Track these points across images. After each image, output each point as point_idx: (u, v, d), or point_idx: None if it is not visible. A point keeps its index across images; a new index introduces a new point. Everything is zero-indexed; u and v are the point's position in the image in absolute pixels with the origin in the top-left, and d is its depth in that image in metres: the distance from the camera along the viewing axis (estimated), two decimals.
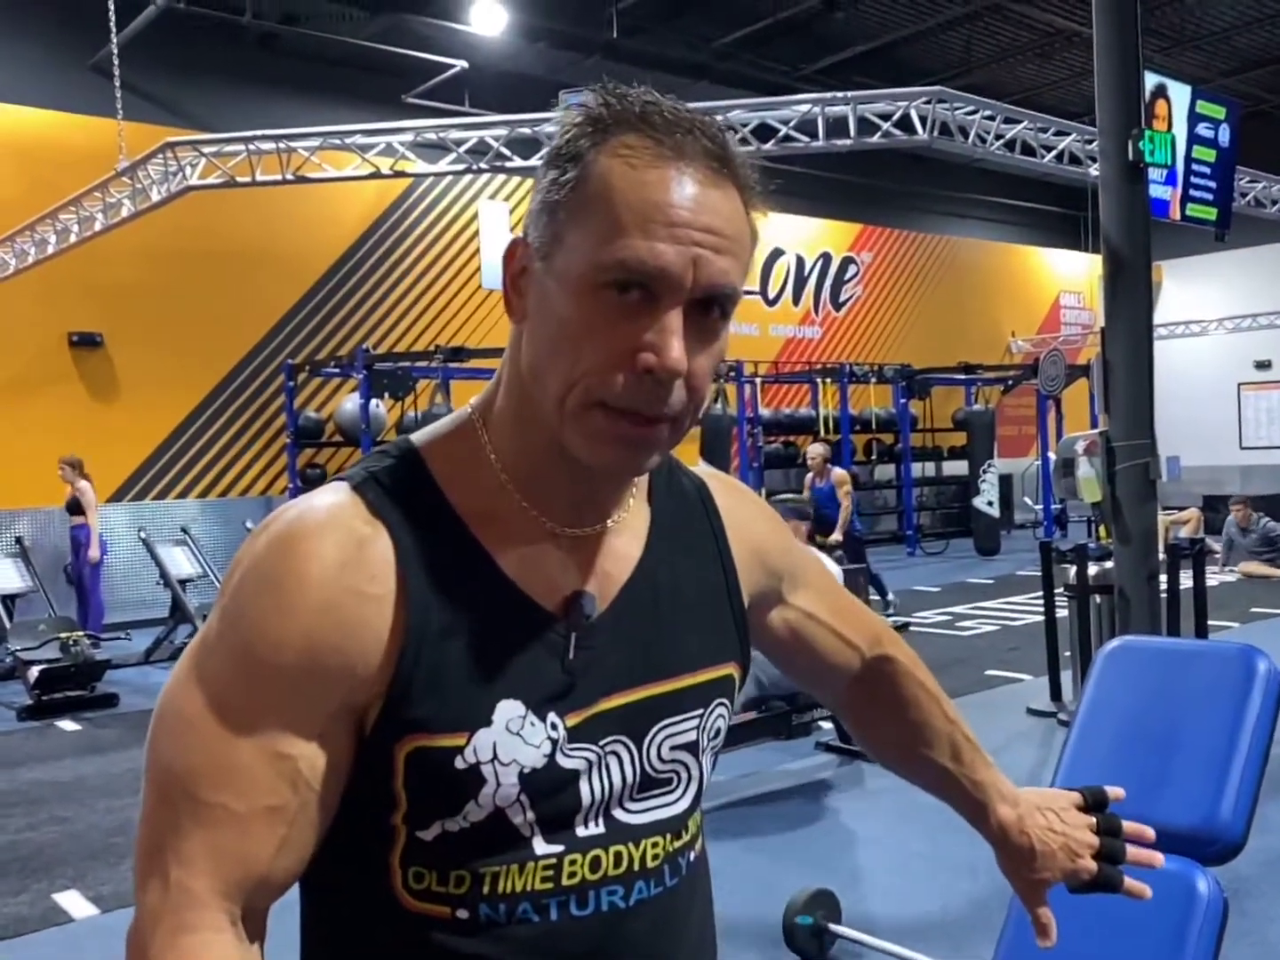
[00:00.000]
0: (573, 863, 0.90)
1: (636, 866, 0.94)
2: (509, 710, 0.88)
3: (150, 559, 9.60)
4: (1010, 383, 16.77)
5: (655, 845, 0.95)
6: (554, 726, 0.89)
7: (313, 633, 0.85)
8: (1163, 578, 6.12)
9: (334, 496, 0.92)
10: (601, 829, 0.92)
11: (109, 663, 7.95)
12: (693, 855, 1.00)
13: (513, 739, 0.88)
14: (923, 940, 3.44)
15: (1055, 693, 6.42)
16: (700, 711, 0.98)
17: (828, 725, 5.66)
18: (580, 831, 0.91)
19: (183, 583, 9.29)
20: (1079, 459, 6.16)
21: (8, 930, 3.92)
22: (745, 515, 1.10)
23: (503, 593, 0.90)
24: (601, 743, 0.92)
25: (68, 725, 7.16)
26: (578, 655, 0.91)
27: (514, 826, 0.89)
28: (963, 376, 16.47)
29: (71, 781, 5.81)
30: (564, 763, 0.90)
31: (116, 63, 7.31)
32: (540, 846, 0.90)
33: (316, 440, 12.81)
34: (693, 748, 0.97)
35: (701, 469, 1.12)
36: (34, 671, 7.48)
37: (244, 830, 0.85)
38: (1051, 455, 15.04)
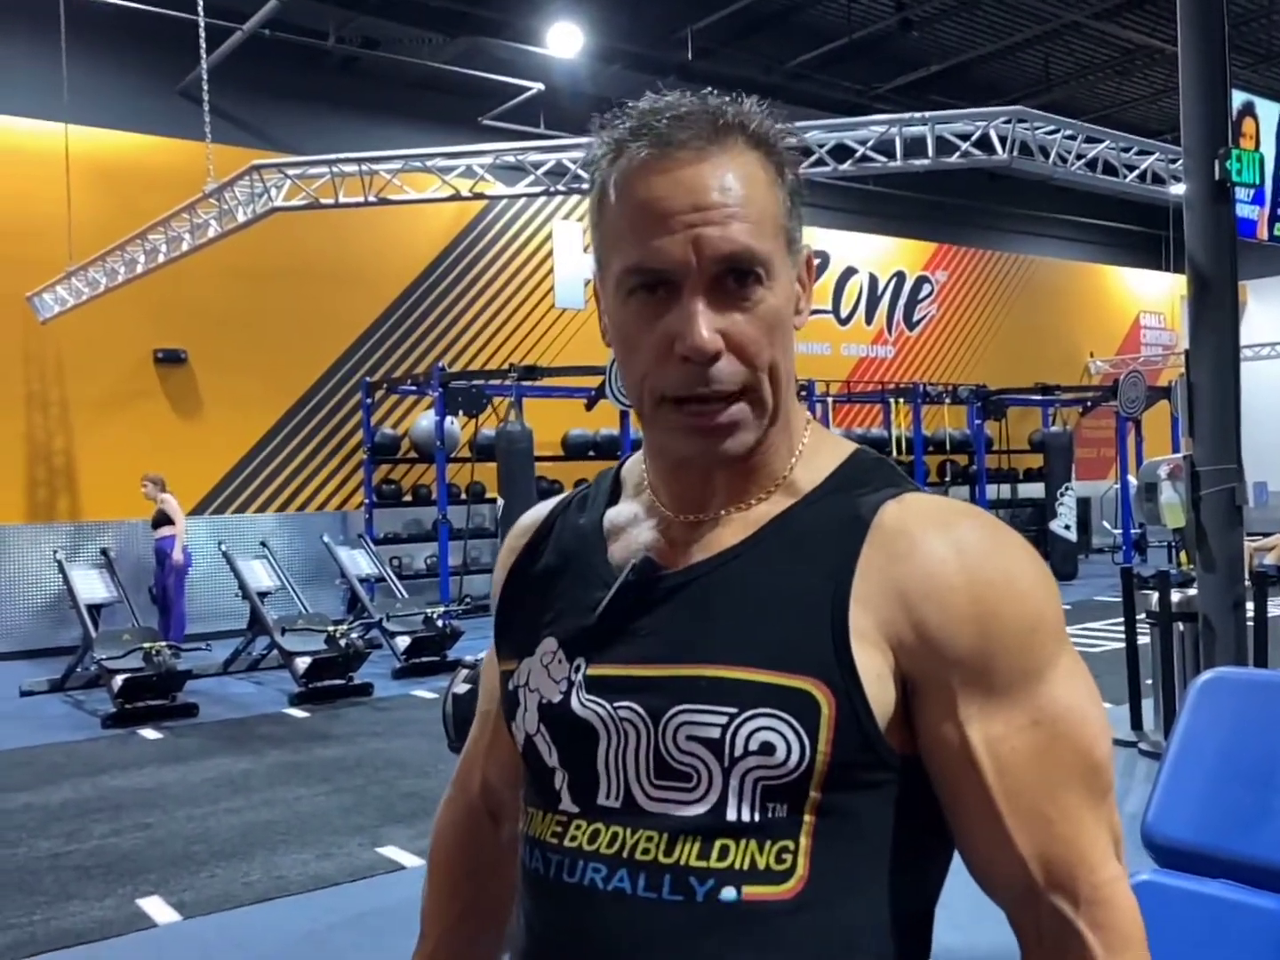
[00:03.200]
0: (578, 827, 0.92)
1: (625, 853, 0.88)
2: (547, 645, 0.98)
3: (230, 571, 9.79)
4: (1089, 404, 16.51)
5: (650, 840, 0.87)
6: (577, 669, 0.94)
7: (494, 579, 1.12)
8: (1248, 605, 5.97)
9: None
10: (618, 804, 0.90)
11: (190, 673, 8.12)
12: (731, 893, 0.85)
13: (541, 670, 0.97)
14: None
15: (1136, 722, 6.29)
16: (732, 710, 0.85)
17: None
18: (600, 800, 0.91)
19: (261, 595, 9.45)
20: (1162, 483, 6.04)
21: (94, 934, 4.02)
22: (921, 553, 0.87)
23: (590, 555, 1.00)
24: (615, 705, 0.90)
25: (149, 733, 7.33)
26: (616, 610, 0.94)
27: (545, 765, 0.96)
28: (1039, 397, 16.22)
29: (153, 789, 5.94)
30: (577, 709, 0.93)
31: (206, 87, 7.51)
32: (565, 802, 0.94)
33: (392, 456, 12.99)
34: (715, 747, 0.86)
35: (918, 503, 0.91)
36: (118, 680, 7.66)
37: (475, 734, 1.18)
38: (1131, 478, 14.76)
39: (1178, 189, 7.45)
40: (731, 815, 0.86)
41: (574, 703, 0.93)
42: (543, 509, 1.11)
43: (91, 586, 9.41)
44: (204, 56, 7.64)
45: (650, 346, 0.89)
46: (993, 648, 0.86)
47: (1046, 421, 16.40)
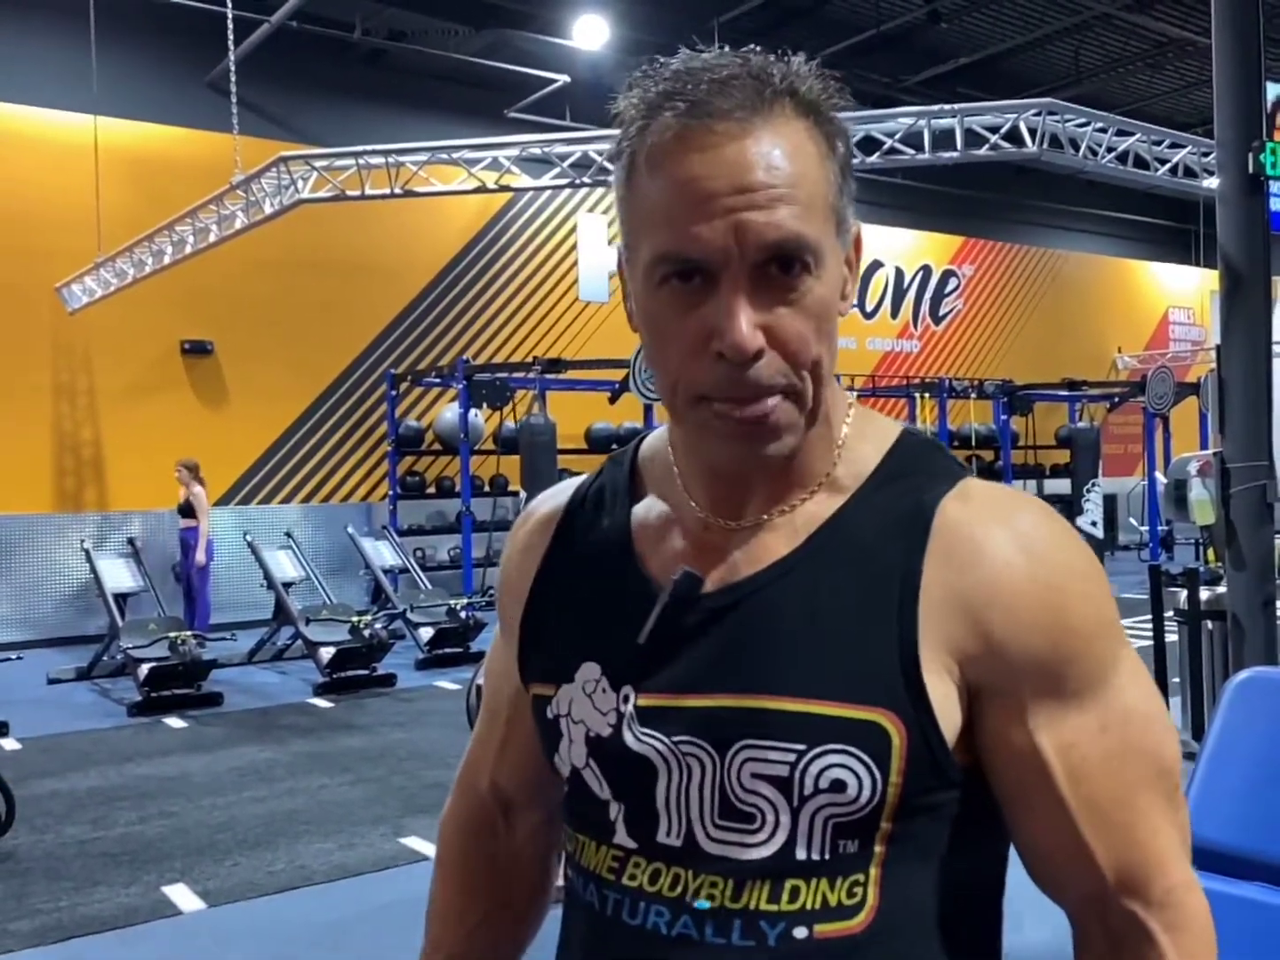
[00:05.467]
0: (637, 865, 0.87)
1: (689, 897, 0.84)
2: (588, 672, 0.90)
3: (255, 562, 9.85)
4: (1116, 400, 16.38)
5: (715, 885, 0.83)
6: (625, 699, 0.87)
7: (502, 574, 1.04)
8: (1279, 604, 5.91)
9: (580, 476, 1.04)
10: (678, 843, 0.84)
11: (215, 662, 8.17)
12: (802, 932, 0.81)
13: (585, 699, 0.90)
14: None
15: None
16: (800, 747, 0.80)
17: None
18: (660, 837, 0.85)
19: (286, 585, 9.50)
20: (1191, 480, 5.98)
21: (120, 920, 4.05)
22: (986, 559, 0.82)
23: (623, 564, 0.92)
24: (675, 739, 0.84)
25: (175, 722, 7.37)
26: (662, 634, 0.86)
27: (596, 797, 0.90)
28: (1066, 393, 16.11)
29: (178, 777, 5.98)
30: (631, 744, 0.86)
31: (234, 79, 7.54)
32: (620, 835, 0.88)
33: (416, 448, 13.03)
34: (783, 785, 0.81)
35: (977, 496, 0.86)
36: (144, 669, 7.71)
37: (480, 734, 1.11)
38: (1159, 475, 14.65)
39: (1210, 183, 7.37)
40: (801, 855, 0.82)
41: (627, 737, 0.86)
42: (557, 500, 1.01)
43: (118, 576, 9.48)
44: (231, 49, 7.66)
45: (684, 341, 0.81)
46: (1062, 654, 0.82)
47: (1073, 417, 16.28)
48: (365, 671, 8.42)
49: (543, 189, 9.63)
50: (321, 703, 7.91)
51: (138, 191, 10.91)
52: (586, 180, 7.69)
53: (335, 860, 4.63)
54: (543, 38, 12.70)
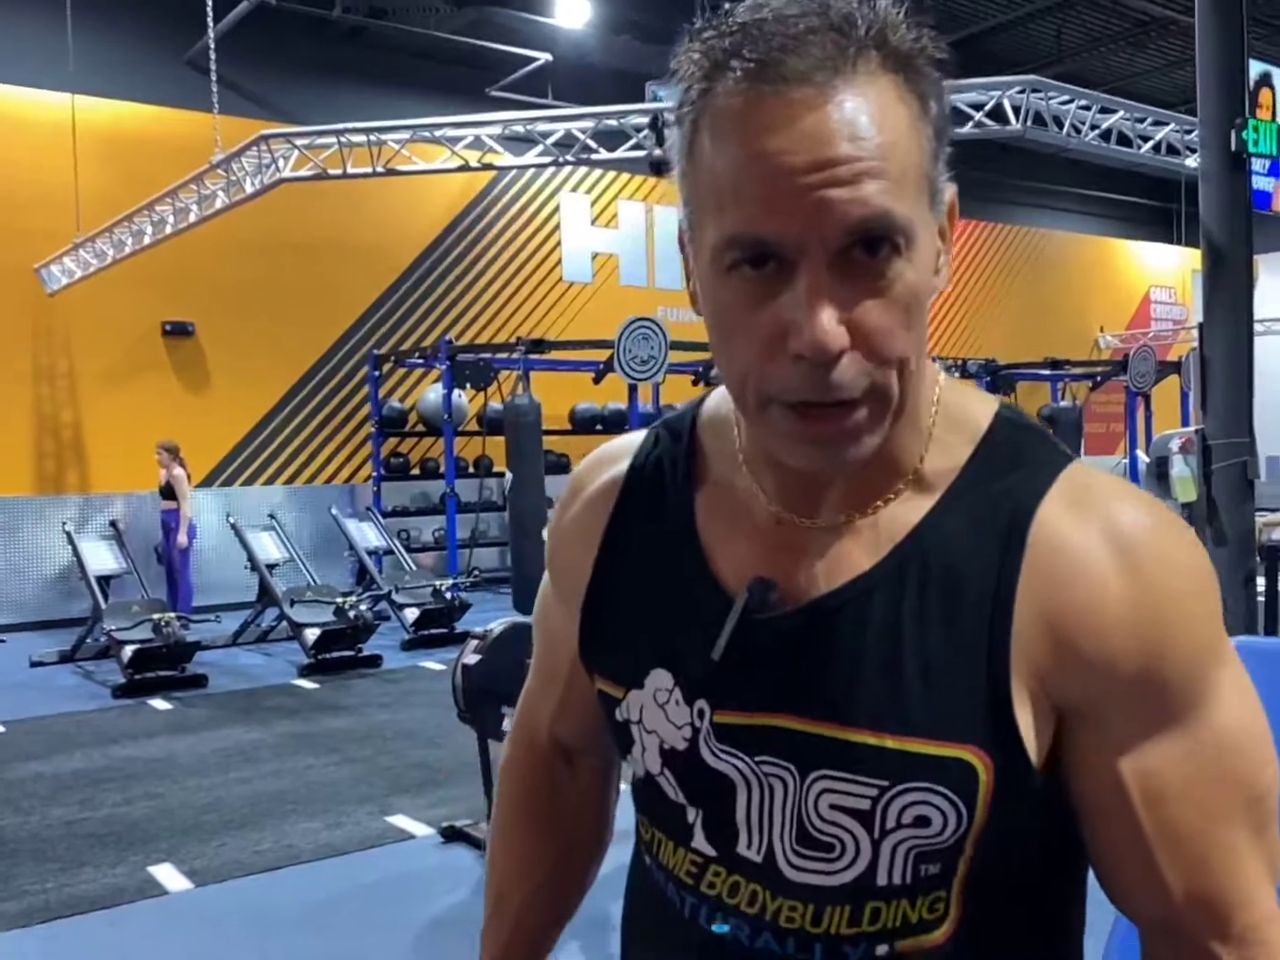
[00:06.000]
0: (716, 874, 0.85)
1: (769, 917, 0.82)
2: (659, 680, 0.85)
3: (238, 543, 9.82)
4: (1099, 379, 16.43)
5: (795, 910, 0.81)
6: (700, 715, 0.83)
7: (557, 536, 0.98)
8: (1259, 580, 5.96)
9: (636, 434, 0.97)
10: (759, 859, 0.82)
11: (199, 644, 8.15)
12: (884, 949, 0.80)
13: (658, 710, 0.85)
14: None
15: None
16: (882, 784, 0.77)
17: None
18: (740, 849, 0.83)
19: (270, 567, 9.48)
20: (1173, 457, 6.02)
21: (107, 900, 4.04)
22: (1082, 575, 0.75)
23: (691, 560, 0.86)
24: (758, 759, 0.81)
25: (159, 704, 7.35)
26: (736, 647, 0.81)
27: (672, 801, 0.87)
28: (1049, 372, 16.15)
29: (164, 759, 5.97)
30: (709, 760, 0.83)
31: (213, 57, 7.46)
32: (698, 840, 0.86)
33: (400, 429, 12.99)
34: (864, 819, 0.78)
35: (1075, 494, 0.78)
36: (128, 651, 7.69)
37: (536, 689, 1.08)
38: (1140, 453, 14.73)
39: (1192, 161, 7.39)
40: (882, 881, 0.80)
41: (704, 752, 0.83)
42: (618, 467, 0.93)
43: (100, 558, 9.44)
44: (211, 26, 7.59)
45: (756, 336, 0.72)
46: (1153, 680, 0.75)
47: (1055, 396, 16.33)
48: (350, 652, 8.42)
49: (526, 167, 9.59)
50: (307, 684, 7.91)
51: (116, 171, 10.81)
52: (570, 158, 7.65)
53: (322, 839, 4.63)
54: (525, 15, 12.62)
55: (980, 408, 0.84)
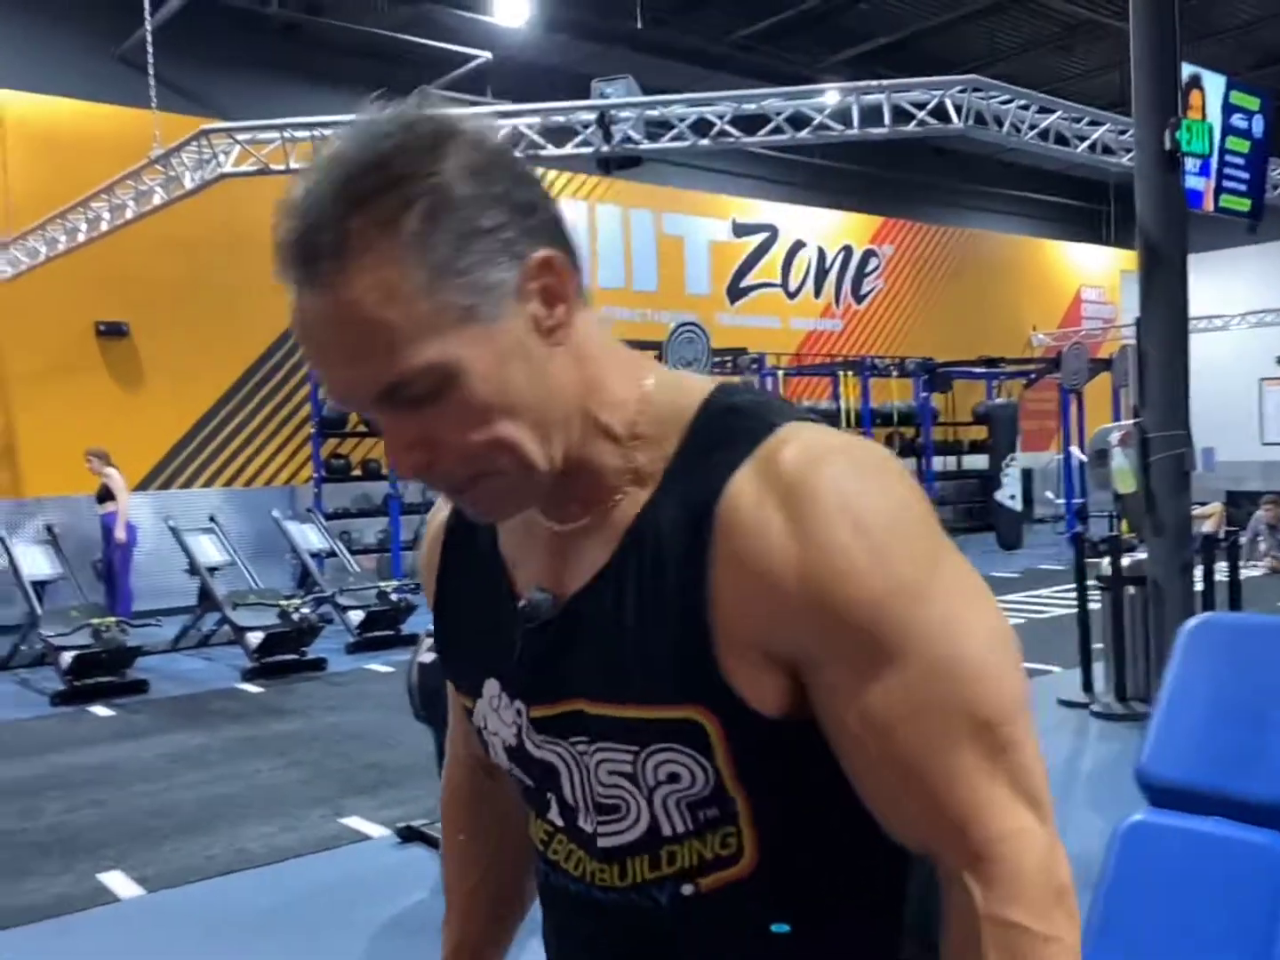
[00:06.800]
0: (560, 842, 0.97)
1: (588, 879, 0.94)
2: (491, 688, 0.97)
3: (178, 547, 9.65)
4: (1033, 376, 16.73)
5: (604, 871, 0.93)
6: (519, 713, 0.94)
7: (421, 578, 1.10)
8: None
9: None
10: (592, 830, 0.93)
11: (140, 649, 8.00)
12: (689, 888, 0.89)
13: (494, 715, 0.97)
14: None
15: (1087, 684, 6.41)
16: (635, 748, 0.86)
17: None
18: (580, 824, 0.94)
19: (211, 570, 9.33)
20: (1113, 450, 6.14)
21: (54, 909, 3.95)
22: (764, 545, 0.80)
23: (498, 578, 0.96)
24: (571, 740, 0.91)
25: (100, 710, 7.21)
26: (528, 651, 0.91)
27: (529, 787, 0.98)
28: (984, 370, 16.43)
29: (107, 765, 5.85)
30: (534, 752, 0.94)
31: (151, 51, 7.34)
32: (553, 812, 0.96)
33: (340, 430, 12.82)
34: (632, 779, 0.88)
35: (768, 464, 0.82)
36: (66, 657, 7.53)
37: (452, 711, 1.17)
38: (1073, 449, 15.01)
39: (1127, 160, 7.56)
40: (667, 831, 0.89)
41: (529, 745, 0.94)
42: (446, 505, 1.04)
43: (35, 562, 9.22)
44: (148, 19, 7.46)
45: None
46: (847, 627, 0.79)
47: (991, 394, 16.60)
48: (295, 656, 8.31)
49: None
50: (251, 688, 7.79)
51: (47, 167, 10.57)
52: (517, 154, 7.62)
53: (276, 843, 4.57)
54: (463, 14, 12.55)
55: (689, 398, 0.89)
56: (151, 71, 7.36)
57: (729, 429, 0.85)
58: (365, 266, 0.76)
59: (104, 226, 8.66)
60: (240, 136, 7.32)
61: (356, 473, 12.90)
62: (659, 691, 0.84)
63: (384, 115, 0.81)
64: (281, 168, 7.34)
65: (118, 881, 4.20)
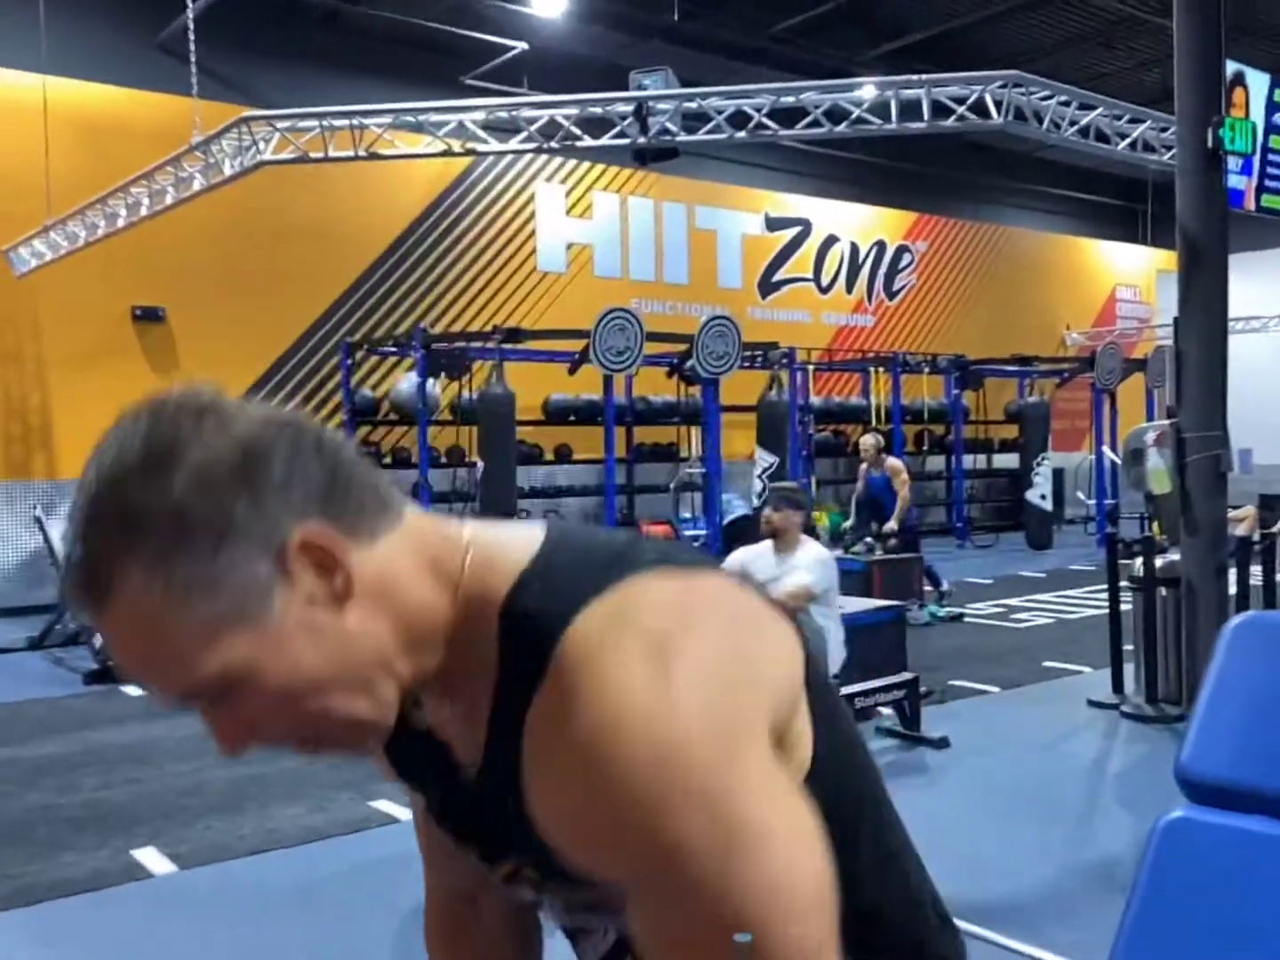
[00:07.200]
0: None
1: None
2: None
3: None
4: (1066, 375, 16.61)
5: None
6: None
7: None
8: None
9: None
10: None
11: None
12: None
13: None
14: (994, 922, 3.44)
15: (1118, 685, 6.37)
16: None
17: (888, 710, 5.65)
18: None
19: None
20: (1148, 450, 6.10)
21: (90, 883, 4.01)
22: (551, 777, 0.82)
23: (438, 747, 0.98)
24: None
25: (132, 690, 7.28)
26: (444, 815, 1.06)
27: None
28: (1016, 368, 16.32)
29: (141, 744, 5.92)
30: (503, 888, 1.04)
31: (192, 38, 7.39)
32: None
33: (372, 418, 12.92)
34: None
35: (560, 665, 0.81)
36: (99, 637, 7.60)
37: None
38: (1106, 449, 14.89)
39: (1168, 158, 7.48)
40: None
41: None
42: None
43: None
44: (190, 7, 7.52)
45: None
46: (612, 874, 0.80)
47: (1023, 392, 16.50)
48: None
49: (508, 153, 9.56)
50: None
51: (88, 153, 10.67)
52: (554, 145, 7.64)
53: (306, 823, 4.61)
54: (501, 4, 12.57)
55: (500, 573, 0.87)
56: (193, 59, 7.42)
57: (525, 646, 0.83)
58: (124, 603, 0.77)
59: (143, 212, 8.74)
60: (280, 124, 7.36)
61: (387, 461, 12.97)
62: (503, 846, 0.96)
63: (124, 432, 0.82)
64: (320, 155, 7.39)
65: (151, 857, 4.26)
